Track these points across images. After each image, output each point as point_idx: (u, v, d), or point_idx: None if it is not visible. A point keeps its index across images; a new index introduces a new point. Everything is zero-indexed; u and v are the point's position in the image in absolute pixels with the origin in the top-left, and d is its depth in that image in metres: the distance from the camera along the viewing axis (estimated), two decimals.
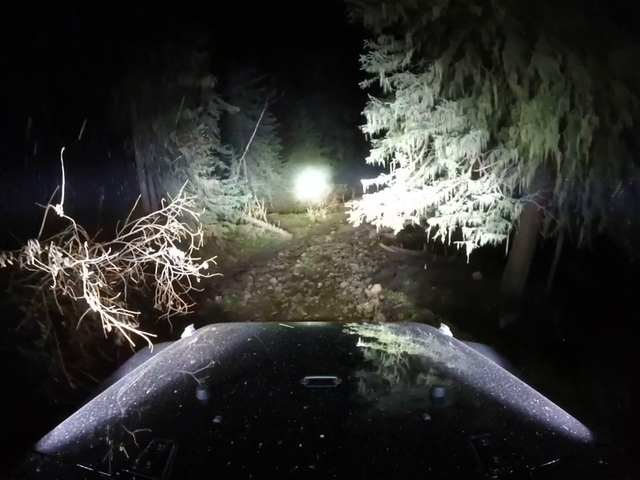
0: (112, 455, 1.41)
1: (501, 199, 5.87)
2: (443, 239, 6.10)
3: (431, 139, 6.03)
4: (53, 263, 3.17)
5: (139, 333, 3.20)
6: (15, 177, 7.06)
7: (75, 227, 3.46)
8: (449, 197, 6.08)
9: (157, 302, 4.46)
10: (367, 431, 1.55)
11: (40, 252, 3.10)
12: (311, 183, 19.69)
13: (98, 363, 4.56)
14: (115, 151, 10.42)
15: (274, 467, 1.34)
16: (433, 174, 6.41)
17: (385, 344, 2.48)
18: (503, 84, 5.83)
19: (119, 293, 3.95)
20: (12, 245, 3.17)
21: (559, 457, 1.42)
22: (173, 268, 4.31)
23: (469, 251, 6.08)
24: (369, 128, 6.57)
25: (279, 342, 2.54)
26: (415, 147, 6.12)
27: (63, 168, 3.00)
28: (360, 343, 2.50)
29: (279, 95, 17.32)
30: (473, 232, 5.91)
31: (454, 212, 5.95)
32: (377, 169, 6.70)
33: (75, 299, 3.68)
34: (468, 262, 6.68)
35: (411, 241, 11.02)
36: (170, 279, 4.39)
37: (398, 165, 6.41)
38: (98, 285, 3.33)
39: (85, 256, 3.26)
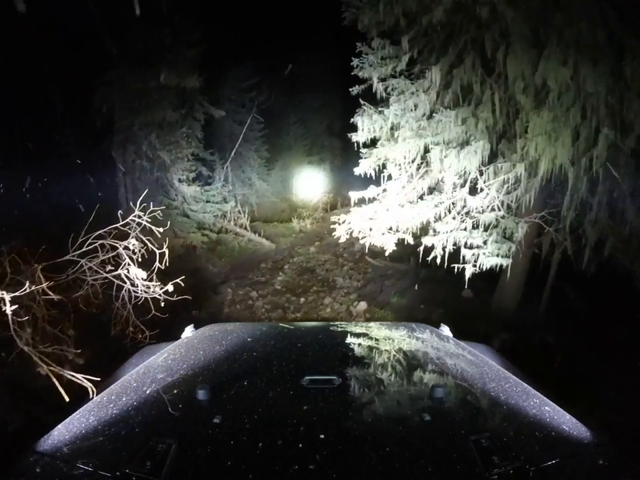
0: (112, 454, 1.40)
1: (503, 217, 5.31)
2: (438, 260, 5.49)
3: (427, 150, 5.47)
4: None
5: (78, 377, 2.55)
6: None
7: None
8: (445, 213, 5.51)
9: (116, 327, 3.87)
10: (366, 430, 1.54)
11: None
12: (297, 192, 19.29)
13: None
14: (94, 152, 9.69)
15: (274, 467, 1.32)
16: (426, 188, 5.86)
17: (385, 344, 2.44)
18: (505, 93, 5.32)
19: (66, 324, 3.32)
20: None
21: (558, 457, 1.41)
22: (133, 290, 3.71)
23: (467, 274, 5.48)
24: (359, 136, 5.99)
25: (279, 342, 2.50)
26: (409, 158, 5.55)
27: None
28: (360, 343, 2.45)
29: (268, 100, 16.65)
30: (473, 254, 5.32)
31: (451, 230, 5.37)
32: (365, 180, 6.12)
33: None
34: (458, 278, 6.12)
35: (398, 254, 10.34)
36: (131, 301, 3.82)
37: (390, 177, 5.84)
38: (29, 318, 2.66)
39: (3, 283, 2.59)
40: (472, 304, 8.02)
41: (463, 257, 5.38)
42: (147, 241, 3.78)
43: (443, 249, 5.39)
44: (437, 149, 5.14)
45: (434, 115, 5.29)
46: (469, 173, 5.24)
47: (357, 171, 6.27)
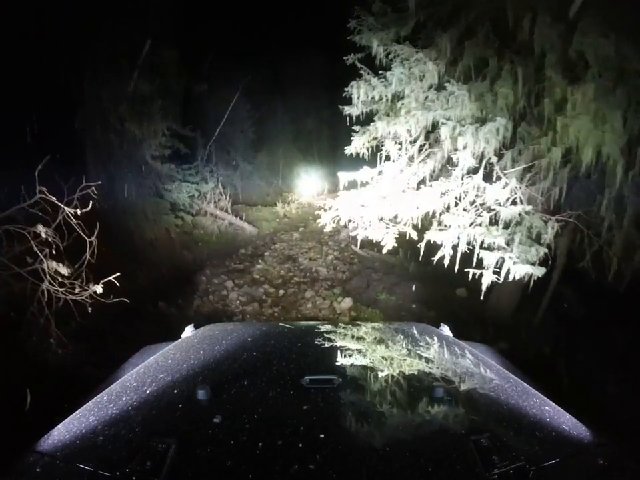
0: (112, 454, 1.37)
1: (528, 213, 4.30)
2: (446, 262, 4.43)
3: (434, 127, 4.52)
4: None
5: None
6: None
7: None
8: (456, 203, 4.54)
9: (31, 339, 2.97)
10: (366, 430, 1.52)
11: None
12: (283, 176, 18.37)
13: None
14: (63, 127, 8.50)
15: (274, 467, 1.31)
16: (428, 173, 4.91)
17: (384, 344, 2.32)
18: (527, 67, 4.40)
19: None
20: None
21: (559, 457, 1.40)
22: (53, 290, 2.89)
23: (485, 283, 4.38)
24: (354, 109, 5.03)
25: (278, 342, 2.45)
26: (413, 134, 4.58)
27: None
28: (360, 343, 2.32)
29: (255, 80, 15.46)
30: (494, 258, 4.23)
31: (464, 226, 4.35)
32: (356, 165, 5.14)
33: None
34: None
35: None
36: (51, 305, 2.97)
37: (388, 158, 4.85)
38: None
39: None
40: (467, 304, 7.16)
41: (479, 260, 4.35)
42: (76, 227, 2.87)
43: (454, 247, 4.36)
44: (449, 126, 4.16)
45: (445, 86, 4.32)
46: (487, 157, 4.27)
47: (349, 150, 5.32)
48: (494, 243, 4.20)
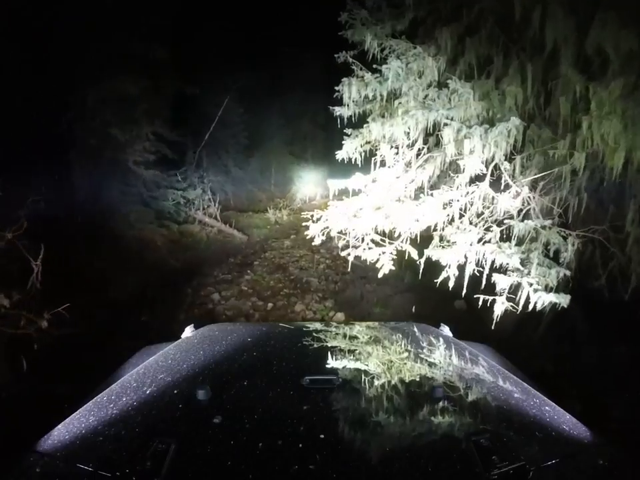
0: (112, 455, 1.36)
1: (544, 227, 3.67)
2: (450, 283, 3.79)
3: (435, 129, 3.96)
4: None
5: None
6: None
7: None
8: (460, 215, 3.96)
9: None
10: (366, 430, 1.51)
11: None
12: (276, 182, 17.78)
13: None
14: (48, 130, 7.87)
15: (274, 467, 1.30)
16: (426, 181, 4.37)
17: (384, 344, 2.28)
18: (537, 64, 3.92)
19: None
20: None
21: (558, 457, 1.39)
22: None
23: (497, 312, 3.71)
24: (345, 109, 4.46)
25: (278, 342, 2.42)
26: (412, 136, 4.01)
27: None
28: (360, 343, 2.31)
29: (248, 83, 14.85)
30: (511, 283, 3.53)
31: (471, 243, 3.69)
32: (348, 172, 4.59)
33: None
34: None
35: None
36: None
37: (383, 164, 4.28)
38: None
39: None
40: (467, 319, 6.58)
41: (491, 284, 3.68)
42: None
43: (460, 267, 3.74)
44: (453, 127, 3.60)
45: (448, 83, 3.77)
46: (494, 162, 3.71)
47: (340, 155, 4.75)
48: (506, 263, 3.58)
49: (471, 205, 3.82)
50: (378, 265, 3.94)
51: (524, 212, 3.72)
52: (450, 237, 3.76)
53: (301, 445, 1.37)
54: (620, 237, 3.94)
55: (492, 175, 3.84)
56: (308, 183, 18.15)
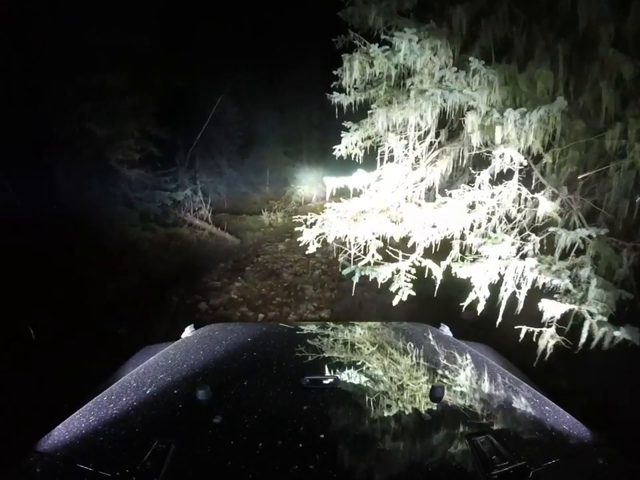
0: (112, 455, 1.35)
1: (590, 237, 2.88)
2: (479, 308, 3.11)
3: (450, 115, 3.25)
4: None
5: None
6: None
7: None
8: (488, 220, 3.23)
9: None
10: (366, 431, 1.49)
11: None
12: (271, 183, 17.11)
13: None
14: (21, 125, 7.15)
15: (274, 467, 1.28)
16: (437, 180, 3.71)
17: (385, 344, 2.25)
18: (568, 46, 3.31)
19: None
20: None
21: (559, 457, 1.37)
22: None
23: (545, 346, 2.90)
24: (344, 96, 3.81)
25: (279, 342, 2.40)
26: (425, 124, 3.31)
27: None
28: (360, 343, 2.29)
29: (242, 81, 14.13)
30: (563, 312, 2.72)
31: (505, 256, 2.88)
32: (350, 170, 3.93)
33: None
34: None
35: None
36: None
37: (390, 159, 3.60)
38: None
39: None
40: (475, 332, 5.95)
41: (529, 307, 2.91)
42: None
43: (494, 286, 2.97)
44: (479, 111, 2.89)
45: (467, 63, 3.09)
46: (534, 154, 3.02)
47: (338, 150, 4.12)
48: (553, 282, 2.77)
49: (498, 208, 3.12)
50: (392, 288, 3.21)
51: (564, 217, 3.03)
52: (478, 247, 3.04)
53: (300, 445, 1.35)
54: None
55: (520, 172, 3.15)
56: (304, 184, 17.53)
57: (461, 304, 3.03)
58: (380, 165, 3.58)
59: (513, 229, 3.12)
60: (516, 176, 3.11)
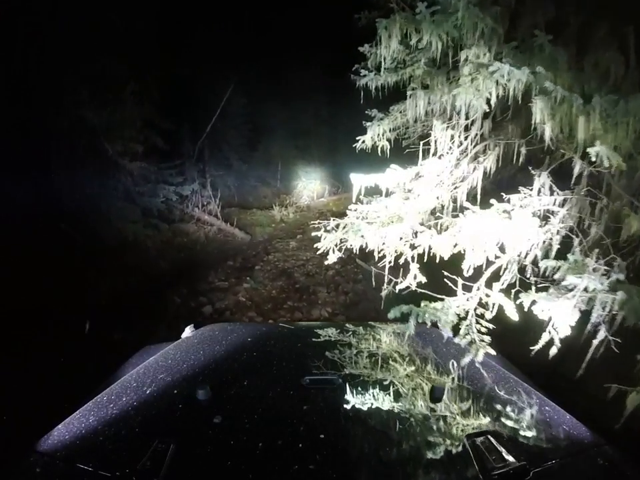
0: (112, 455, 1.34)
1: None
2: (552, 350, 2.23)
3: (513, 98, 2.48)
4: None
5: None
6: None
7: None
8: (557, 237, 2.38)
9: None
10: (366, 431, 1.48)
11: None
12: (281, 177, 16.43)
13: None
14: (12, 112, 6.46)
15: (274, 467, 1.28)
16: (480, 179, 3.00)
17: (385, 344, 2.22)
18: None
19: None
20: None
21: (559, 456, 1.36)
22: None
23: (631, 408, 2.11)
24: (373, 76, 3.11)
25: (279, 342, 2.37)
26: (480, 109, 2.54)
27: None
28: (360, 343, 2.22)
29: (252, 72, 13.42)
30: None
31: (593, 287, 1.99)
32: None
33: None
34: None
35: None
36: None
37: (435, 153, 2.87)
38: None
39: None
40: (553, 383, 5.21)
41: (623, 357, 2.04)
42: None
43: (587, 332, 2.11)
44: (554, 95, 2.12)
45: (534, 36, 2.35)
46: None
47: (362, 142, 3.46)
48: None
49: (570, 221, 2.36)
50: (460, 340, 2.34)
51: None
52: (554, 272, 2.25)
53: (300, 445, 1.33)
54: None
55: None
56: (315, 178, 16.93)
57: (530, 347, 2.23)
58: (422, 160, 2.84)
59: (590, 249, 2.34)
60: (584, 181, 2.36)
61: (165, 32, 8.75)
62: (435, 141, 2.77)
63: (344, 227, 3.13)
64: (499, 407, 1.62)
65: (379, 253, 2.99)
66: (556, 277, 2.18)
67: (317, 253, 8.47)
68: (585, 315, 2.10)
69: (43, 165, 6.51)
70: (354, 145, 3.72)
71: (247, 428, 1.43)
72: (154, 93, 8.62)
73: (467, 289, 2.34)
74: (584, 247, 2.38)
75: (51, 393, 3.10)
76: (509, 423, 1.51)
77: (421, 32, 2.49)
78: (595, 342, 2.09)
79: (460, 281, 2.29)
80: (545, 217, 2.44)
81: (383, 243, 2.90)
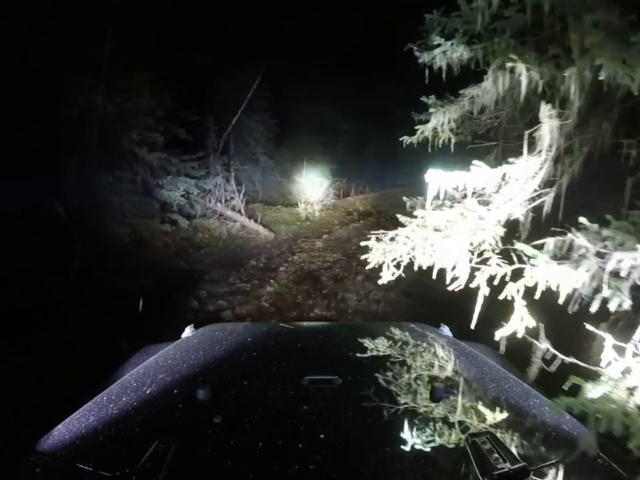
0: (112, 455, 1.30)
1: None
2: None
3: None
4: None
5: None
6: None
7: None
8: None
9: None
10: (366, 431, 1.44)
11: None
12: (307, 173, 15.45)
13: None
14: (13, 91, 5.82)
15: (274, 467, 1.25)
16: (564, 183, 2.24)
17: (384, 344, 2.08)
18: None
19: None
20: None
21: (558, 457, 1.33)
22: None
23: None
24: (439, 53, 2.42)
25: (279, 342, 2.27)
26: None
27: None
28: (360, 343, 2.08)
29: (279, 65, 12.75)
30: None
31: None
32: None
33: None
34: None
35: None
36: None
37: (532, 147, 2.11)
38: None
39: None
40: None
41: None
42: None
43: None
44: None
45: None
46: None
47: (420, 133, 2.79)
48: None
49: None
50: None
51: None
52: None
53: (300, 445, 1.31)
54: None
55: None
56: (342, 176, 16.23)
57: None
58: (529, 153, 2.06)
59: None
60: None
61: (189, 19, 8.07)
62: (529, 135, 1.98)
63: (406, 241, 2.36)
64: (499, 406, 1.54)
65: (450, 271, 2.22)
66: None
67: (344, 254, 7.65)
68: None
69: (45, 155, 5.82)
70: (401, 139, 3.18)
71: (247, 428, 1.40)
72: (175, 82, 7.92)
73: (620, 351, 1.52)
74: None
75: (50, 393, 2.94)
76: (509, 423, 1.45)
77: None
78: None
79: (605, 335, 1.47)
80: None
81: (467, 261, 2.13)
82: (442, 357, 1.94)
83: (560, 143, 2.27)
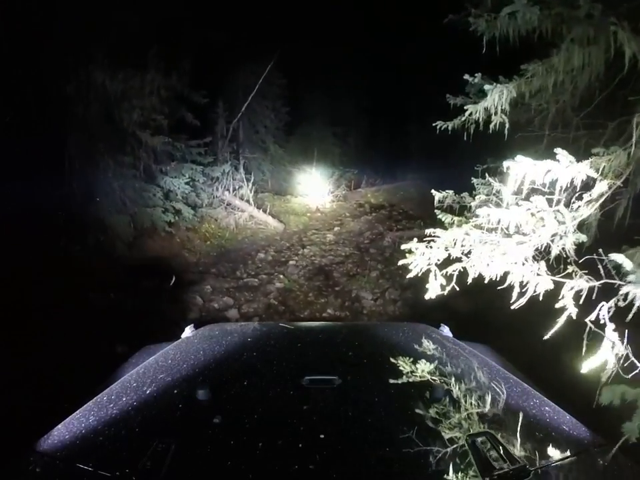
0: (112, 455, 1.28)
1: None
2: None
3: None
4: None
5: None
6: None
7: None
8: None
9: None
10: (366, 430, 1.40)
11: None
12: (318, 164, 14.91)
13: None
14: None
15: (274, 467, 1.22)
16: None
17: (384, 344, 2.12)
18: None
19: None
20: None
21: (558, 457, 1.30)
22: None
23: None
24: (483, 22, 1.94)
25: (278, 342, 2.23)
26: None
27: None
28: (360, 343, 2.16)
29: (291, 52, 12.06)
30: None
31: None
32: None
33: None
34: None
35: None
36: None
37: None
38: None
39: None
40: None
41: None
42: None
43: None
44: None
45: None
46: None
47: (470, 114, 2.30)
48: None
49: None
50: None
51: None
52: None
53: (300, 445, 1.28)
54: None
55: None
56: (353, 168, 15.60)
57: None
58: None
59: None
60: None
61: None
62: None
63: (462, 249, 1.83)
64: (499, 406, 1.49)
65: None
66: None
67: (357, 248, 7.01)
68: None
69: (44, 132, 5.22)
70: (435, 124, 2.88)
71: (247, 428, 1.36)
72: (184, 62, 7.29)
73: None
74: None
75: (50, 393, 2.99)
76: (509, 423, 1.40)
77: None
78: None
79: None
80: None
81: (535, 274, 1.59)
82: (442, 357, 1.90)
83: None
